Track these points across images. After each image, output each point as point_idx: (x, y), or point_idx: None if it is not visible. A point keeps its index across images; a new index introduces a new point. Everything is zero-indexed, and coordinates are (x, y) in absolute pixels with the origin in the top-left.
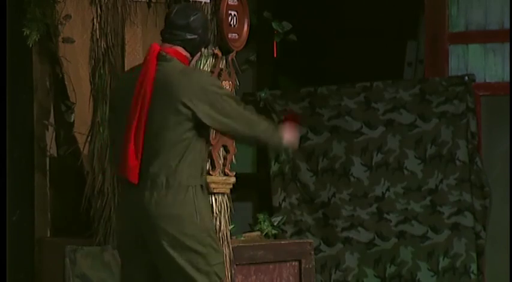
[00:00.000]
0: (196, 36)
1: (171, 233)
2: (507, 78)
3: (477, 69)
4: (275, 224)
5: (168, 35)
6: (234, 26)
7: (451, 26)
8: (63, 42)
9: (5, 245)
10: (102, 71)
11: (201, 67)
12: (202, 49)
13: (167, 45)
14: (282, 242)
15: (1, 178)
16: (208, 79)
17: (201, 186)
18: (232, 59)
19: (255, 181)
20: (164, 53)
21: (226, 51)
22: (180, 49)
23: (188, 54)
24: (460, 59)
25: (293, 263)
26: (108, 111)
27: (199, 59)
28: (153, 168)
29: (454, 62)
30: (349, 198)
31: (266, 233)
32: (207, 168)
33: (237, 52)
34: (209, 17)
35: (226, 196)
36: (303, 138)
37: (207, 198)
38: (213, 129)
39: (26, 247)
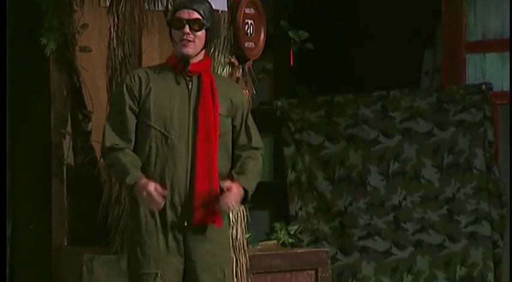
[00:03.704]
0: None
1: None
2: None
3: (494, 77)
4: (292, 232)
5: None
6: (250, 34)
7: (468, 35)
8: (80, 51)
9: (23, 253)
10: (119, 80)
11: None
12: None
13: None
14: (299, 251)
15: (19, 185)
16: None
17: None
18: (248, 68)
19: (272, 190)
20: None
21: (243, 60)
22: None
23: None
24: (477, 67)
25: (310, 272)
26: None
27: (182, 40)
28: None
29: (471, 71)
30: (365, 207)
31: (283, 242)
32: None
33: (253, 61)
34: (226, 26)
35: (242, 205)
36: (320, 147)
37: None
38: None
39: (43, 255)
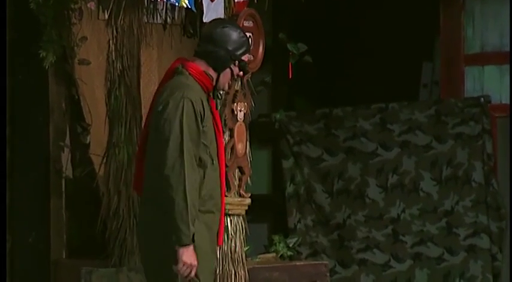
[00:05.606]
0: (218, 49)
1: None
2: None
3: (493, 90)
4: (290, 245)
5: (196, 46)
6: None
7: (466, 48)
8: (79, 64)
9: (22, 266)
10: (117, 93)
11: None
12: (234, 67)
13: (192, 58)
14: (297, 264)
15: (17, 199)
16: (164, 102)
17: None
18: (247, 81)
19: (270, 202)
20: (180, 66)
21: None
22: (200, 62)
23: (211, 69)
24: (475, 80)
25: None
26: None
27: (234, 78)
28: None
29: (469, 84)
30: (364, 219)
31: (281, 255)
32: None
33: (252, 73)
34: None
35: (241, 217)
36: (318, 160)
37: None
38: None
39: (42, 269)
